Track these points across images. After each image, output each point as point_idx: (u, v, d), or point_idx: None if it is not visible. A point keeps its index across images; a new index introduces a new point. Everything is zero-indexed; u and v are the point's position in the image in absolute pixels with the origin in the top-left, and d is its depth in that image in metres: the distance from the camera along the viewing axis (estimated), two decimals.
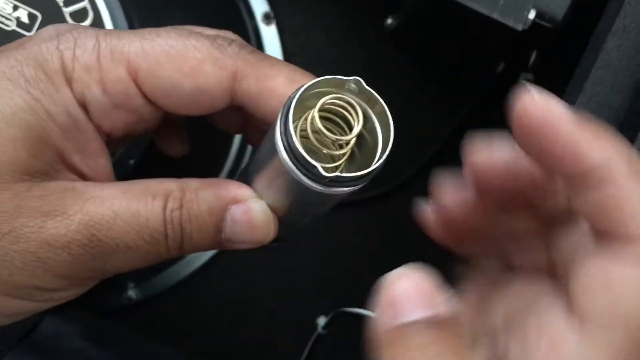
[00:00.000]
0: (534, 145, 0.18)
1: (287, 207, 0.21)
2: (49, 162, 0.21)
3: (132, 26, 0.32)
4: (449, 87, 0.42)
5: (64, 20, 0.31)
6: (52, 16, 0.31)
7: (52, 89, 0.21)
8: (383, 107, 0.19)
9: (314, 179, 0.18)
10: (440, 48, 0.38)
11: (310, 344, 0.39)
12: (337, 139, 0.19)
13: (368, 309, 0.19)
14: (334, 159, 0.20)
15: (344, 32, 0.42)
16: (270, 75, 0.22)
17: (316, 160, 0.18)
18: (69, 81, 0.21)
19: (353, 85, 0.19)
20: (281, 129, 0.18)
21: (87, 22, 0.31)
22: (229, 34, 0.24)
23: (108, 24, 0.32)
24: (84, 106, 0.22)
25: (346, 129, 0.20)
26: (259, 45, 0.42)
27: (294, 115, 0.18)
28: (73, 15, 0.31)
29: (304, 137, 0.19)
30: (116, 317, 0.41)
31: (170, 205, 0.21)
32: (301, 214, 0.22)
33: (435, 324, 0.17)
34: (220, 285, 0.42)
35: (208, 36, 0.22)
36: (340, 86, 0.19)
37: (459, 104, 0.41)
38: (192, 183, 0.22)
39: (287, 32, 0.43)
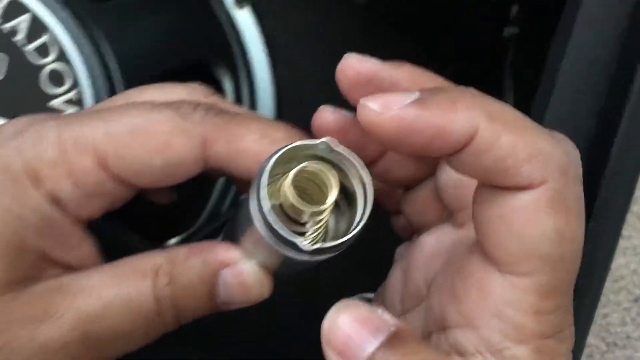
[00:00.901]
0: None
1: (278, 266, 0.21)
2: (30, 266, 0.21)
3: (97, 48, 0.32)
4: (431, 53, 0.41)
5: (27, 60, 0.30)
6: (16, 56, 0.31)
7: (20, 193, 0.21)
8: (355, 164, 0.19)
9: (297, 251, 0.18)
10: (418, 14, 0.37)
11: None
12: (312, 212, 0.19)
13: None
14: (315, 221, 0.19)
15: (322, 10, 0.41)
16: (239, 134, 0.21)
17: (300, 220, 0.18)
18: (36, 181, 0.21)
19: (323, 146, 0.19)
20: (256, 206, 0.18)
21: (52, 57, 0.31)
22: (196, 89, 0.24)
23: (72, 52, 0.31)
24: (57, 202, 0.21)
25: (325, 191, 0.19)
26: (234, 32, 0.41)
27: (267, 185, 0.18)
28: (37, 50, 0.31)
29: (283, 202, 0.19)
30: None
31: (160, 281, 0.21)
32: (293, 271, 0.22)
33: (391, 343, 0.18)
34: None
35: (171, 105, 0.22)
36: (312, 148, 0.19)
37: (442, 69, 0.40)
38: (179, 253, 0.21)
39: (266, 15, 0.42)
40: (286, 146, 0.18)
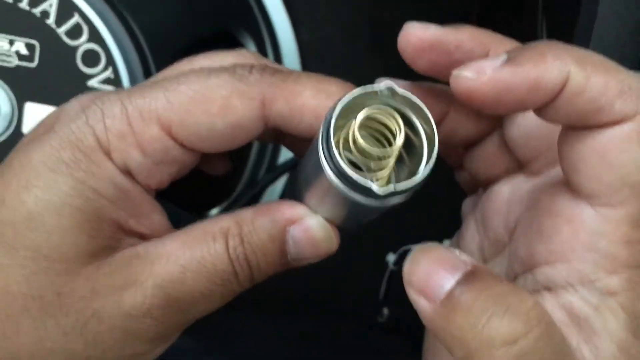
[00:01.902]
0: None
1: (343, 219, 0.21)
2: (108, 236, 0.21)
3: (127, 26, 0.31)
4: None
5: (61, 42, 0.31)
6: (49, 40, 0.31)
7: (94, 167, 0.21)
8: (420, 106, 0.19)
9: (368, 195, 0.18)
10: None
11: (385, 279, 0.41)
12: (380, 155, 0.19)
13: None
14: (381, 166, 0.20)
15: None
16: (296, 92, 0.22)
17: (365, 169, 0.18)
18: (107, 154, 0.21)
19: (386, 92, 0.19)
20: (325, 154, 0.18)
21: (84, 37, 0.31)
22: (245, 55, 0.24)
23: (104, 31, 0.31)
24: (127, 172, 0.22)
25: (390, 136, 0.19)
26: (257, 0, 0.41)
27: (334, 135, 0.18)
28: (68, 33, 0.31)
29: (347, 151, 0.19)
30: None
31: (231, 243, 0.21)
32: (359, 221, 0.22)
33: (472, 279, 0.19)
34: None
35: (227, 69, 0.22)
36: (373, 95, 0.19)
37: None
38: (247, 214, 0.22)
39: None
40: (351, 92, 0.19)
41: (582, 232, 0.20)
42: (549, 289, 0.20)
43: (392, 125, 0.19)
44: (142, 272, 0.21)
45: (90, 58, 0.31)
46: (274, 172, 0.39)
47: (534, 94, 0.19)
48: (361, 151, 0.19)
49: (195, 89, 0.21)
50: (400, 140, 0.19)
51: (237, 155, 0.40)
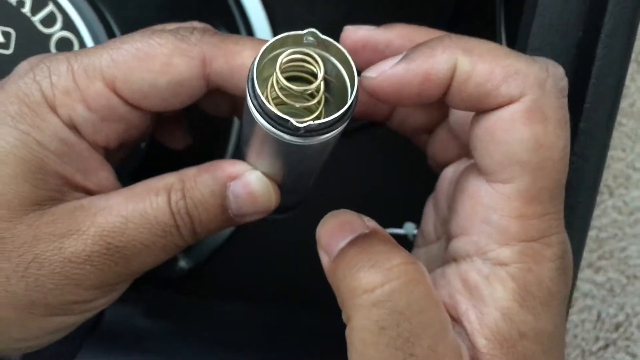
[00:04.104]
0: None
1: (281, 170, 0.22)
2: (52, 188, 0.22)
3: (101, 16, 0.33)
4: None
5: (35, 30, 0.32)
6: (23, 28, 0.32)
7: (39, 120, 0.22)
8: (340, 50, 0.20)
9: (291, 132, 0.19)
10: None
11: None
12: (304, 90, 0.20)
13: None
14: (310, 110, 0.20)
15: None
16: (236, 51, 0.23)
17: (295, 118, 0.19)
18: (52, 108, 0.22)
19: (310, 38, 0.19)
20: (250, 93, 0.19)
21: (58, 25, 0.32)
22: (193, 23, 0.25)
23: (77, 20, 0.32)
24: (73, 127, 0.23)
25: (312, 79, 0.20)
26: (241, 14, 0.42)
27: (260, 80, 0.19)
28: (43, 21, 0.32)
29: (277, 103, 0.20)
30: (174, 289, 0.44)
31: (173, 197, 0.22)
32: (297, 175, 0.23)
33: (361, 239, 0.21)
34: (269, 233, 0.44)
35: (170, 30, 0.23)
36: (298, 41, 0.20)
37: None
38: (190, 172, 0.23)
39: None
40: (277, 36, 0.19)
41: (479, 207, 0.21)
42: (455, 259, 0.22)
43: (315, 67, 0.20)
44: (84, 222, 0.22)
45: (64, 45, 0.32)
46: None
47: (427, 85, 0.20)
48: (284, 90, 0.19)
49: (138, 47, 0.22)
50: (320, 76, 0.19)
51: (218, 135, 0.41)
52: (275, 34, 0.41)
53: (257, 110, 0.19)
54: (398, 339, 0.19)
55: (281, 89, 0.19)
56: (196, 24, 0.25)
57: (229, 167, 0.23)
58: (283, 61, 0.19)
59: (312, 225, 0.42)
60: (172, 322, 0.36)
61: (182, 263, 0.44)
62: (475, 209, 0.21)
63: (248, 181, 0.22)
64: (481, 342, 0.20)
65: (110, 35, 0.33)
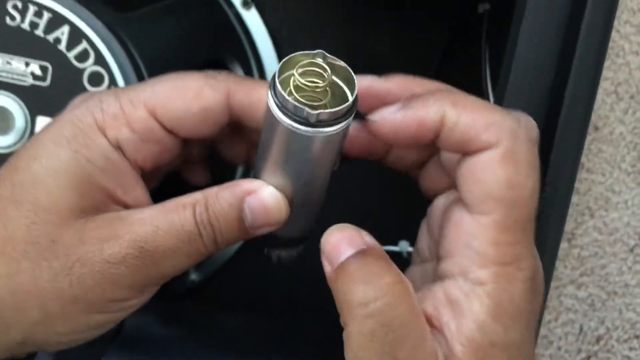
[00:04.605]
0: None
1: (291, 179, 0.25)
2: (97, 199, 0.26)
3: (129, 53, 0.36)
4: (420, 31, 0.44)
5: (70, 65, 0.35)
6: (59, 63, 0.35)
7: (89, 141, 0.26)
8: (343, 67, 0.24)
9: (305, 122, 0.23)
10: None
11: None
12: (315, 85, 0.23)
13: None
14: (318, 99, 0.24)
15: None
16: (254, 88, 0.27)
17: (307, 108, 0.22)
18: (102, 130, 0.26)
19: (319, 59, 0.24)
20: (272, 92, 0.23)
21: (90, 60, 0.35)
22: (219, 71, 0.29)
23: (108, 56, 0.35)
24: (118, 148, 0.27)
25: (320, 82, 0.24)
26: (244, 31, 0.46)
27: (279, 80, 0.23)
28: (77, 57, 0.35)
29: (293, 100, 0.23)
30: (186, 300, 0.47)
31: (198, 210, 0.26)
32: (305, 186, 0.26)
33: (360, 255, 0.24)
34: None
35: (200, 72, 0.27)
36: (310, 58, 0.24)
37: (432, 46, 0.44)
38: (213, 189, 0.26)
39: (268, 10, 0.46)
40: (290, 55, 0.23)
41: (462, 234, 0.24)
42: (442, 279, 0.25)
43: (323, 73, 0.23)
44: (122, 229, 0.25)
45: (96, 78, 0.35)
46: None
47: (421, 129, 0.24)
48: (299, 88, 0.23)
49: (175, 82, 0.27)
50: (328, 77, 0.23)
51: (224, 171, 0.44)
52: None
53: (277, 105, 0.23)
54: (386, 345, 0.23)
55: (296, 87, 0.23)
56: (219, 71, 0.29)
57: (246, 184, 0.26)
58: (300, 64, 0.23)
59: (314, 242, 0.45)
60: (186, 330, 0.39)
61: (193, 276, 0.47)
62: (459, 236, 0.24)
63: (262, 195, 0.26)
64: (458, 348, 0.23)
65: (137, 69, 0.36)
